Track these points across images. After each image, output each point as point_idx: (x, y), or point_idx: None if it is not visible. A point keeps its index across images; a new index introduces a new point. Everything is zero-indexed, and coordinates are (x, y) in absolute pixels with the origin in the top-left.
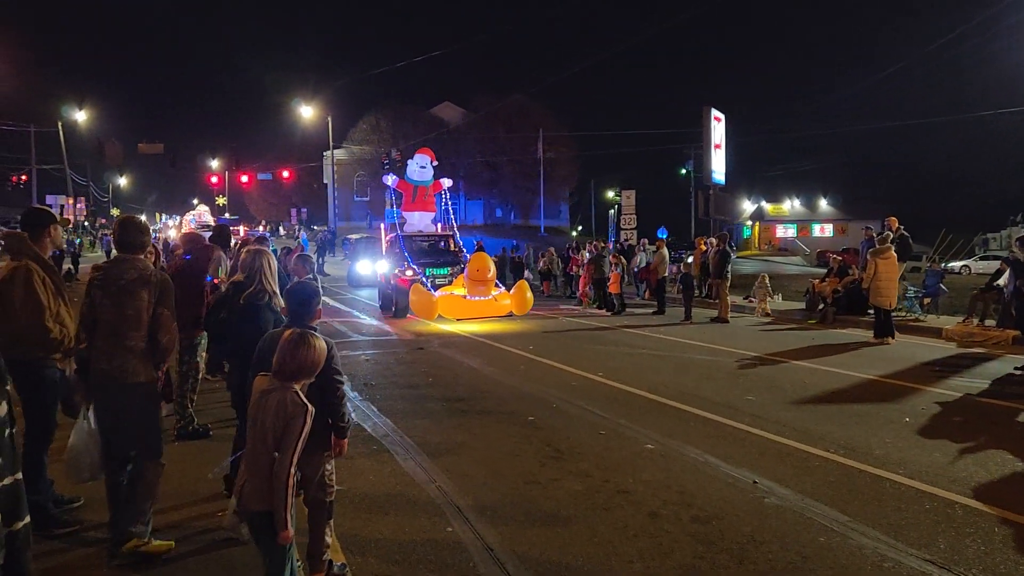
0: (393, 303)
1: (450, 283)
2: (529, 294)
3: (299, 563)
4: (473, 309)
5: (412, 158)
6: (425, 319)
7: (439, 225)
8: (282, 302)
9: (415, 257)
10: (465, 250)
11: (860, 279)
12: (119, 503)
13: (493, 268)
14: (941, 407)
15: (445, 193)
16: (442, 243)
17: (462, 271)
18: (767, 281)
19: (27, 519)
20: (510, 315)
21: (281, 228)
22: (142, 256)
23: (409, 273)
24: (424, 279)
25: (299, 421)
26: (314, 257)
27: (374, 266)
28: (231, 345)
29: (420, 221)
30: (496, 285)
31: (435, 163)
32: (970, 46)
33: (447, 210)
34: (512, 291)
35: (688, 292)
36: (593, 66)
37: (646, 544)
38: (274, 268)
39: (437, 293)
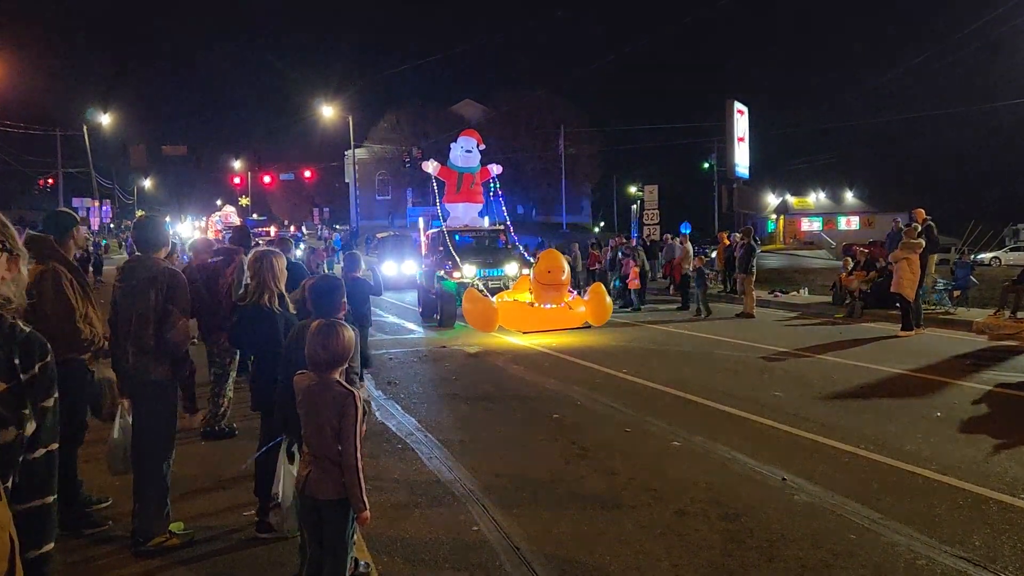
0: (437, 310)
1: (506, 287)
2: (608, 300)
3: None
4: (543, 320)
5: (455, 141)
6: (482, 331)
7: (486, 219)
8: (289, 301)
9: (462, 256)
10: (520, 247)
11: (890, 272)
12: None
13: (567, 269)
14: (973, 401)
15: (494, 181)
16: (491, 240)
17: (519, 273)
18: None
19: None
20: (587, 326)
21: (304, 228)
22: (159, 254)
23: (457, 275)
24: (477, 282)
25: (351, 409)
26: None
27: (400, 267)
28: (247, 348)
29: (465, 214)
30: (568, 290)
31: (482, 147)
32: (1000, 33)
33: (498, 201)
34: (586, 296)
35: (702, 287)
36: (615, 60)
37: (674, 542)
38: (280, 268)
39: (497, 300)
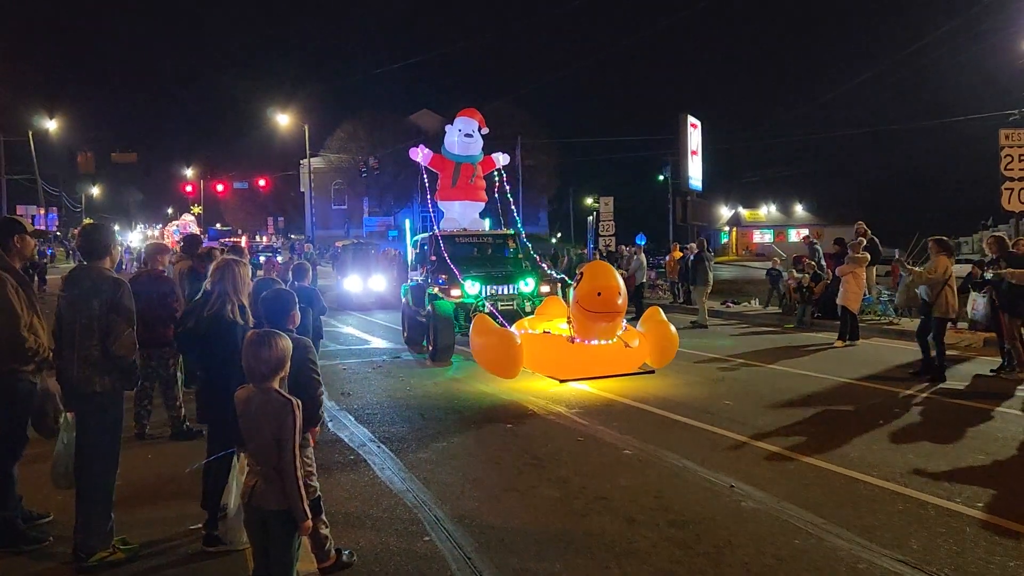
0: (428, 337)
1: (521, 309)
2: (672, 330)
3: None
4: (591, 362)
5: (451, 123)
6: (500, 376)
7: (487, 221)
8: (250, 314)
9: (461, 267)
10: (538, 256)
11: (832, 281)
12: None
13: (624, 290)
14: (914, 409)
15: (500, 173)
16: (496, 247)
17: (538, 291)
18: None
19: None
20: (647, 370)
21: (259, 237)
22: (104, 263)
23: (455, 292)
24: (485, 304)
25: (289, 418)
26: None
27: (366, 282)
28: (197, 357)
29: (463, 214)
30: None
31: (485, 130)
32: (940, 53)
33: (507, 198)
34: (640, 326)
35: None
36: (571, 73)
37: (623, 550)
38: (244, 277)
39: (516, 330)
